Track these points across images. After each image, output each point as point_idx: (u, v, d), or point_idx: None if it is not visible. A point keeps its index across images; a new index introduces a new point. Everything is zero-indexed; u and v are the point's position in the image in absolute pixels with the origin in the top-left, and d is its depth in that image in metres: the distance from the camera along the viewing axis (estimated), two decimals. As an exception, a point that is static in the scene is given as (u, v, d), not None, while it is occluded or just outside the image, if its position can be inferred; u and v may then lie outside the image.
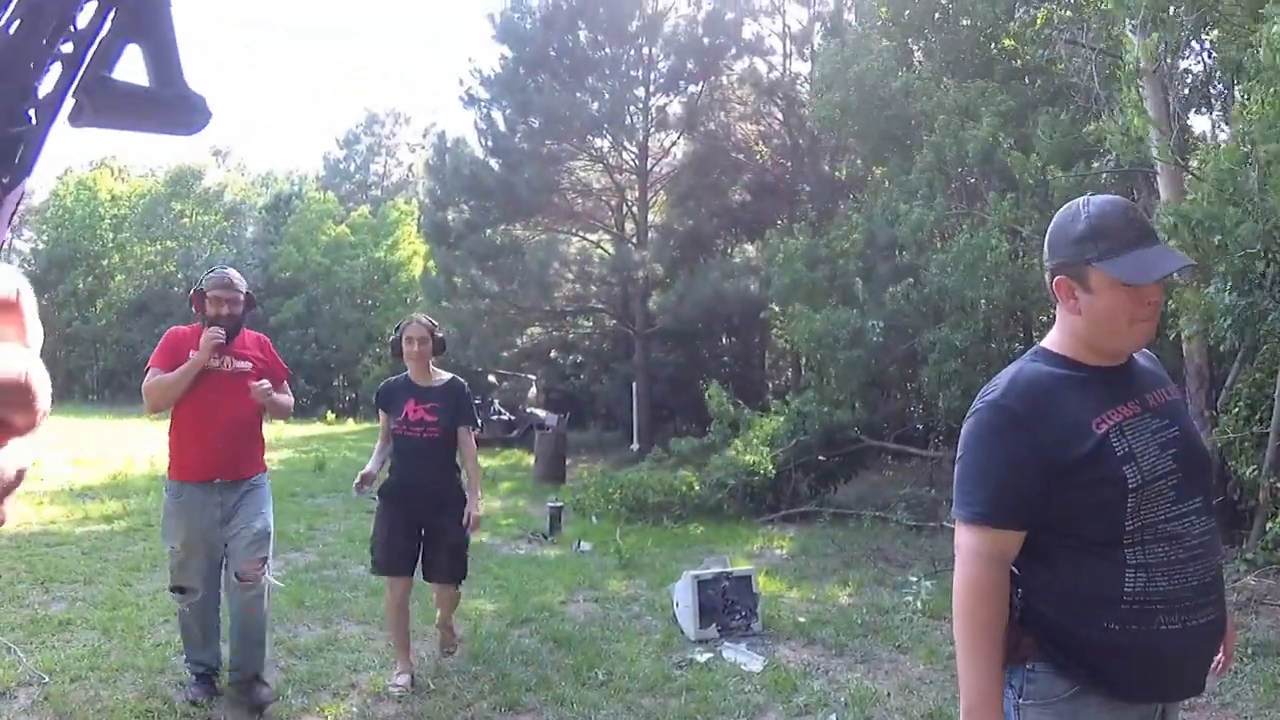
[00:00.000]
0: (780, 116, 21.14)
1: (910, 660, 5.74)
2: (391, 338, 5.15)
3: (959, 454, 1.91)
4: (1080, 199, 1.93)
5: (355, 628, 6.19)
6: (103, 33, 0.50)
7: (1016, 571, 1.87)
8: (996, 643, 1.80)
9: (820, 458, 11.96)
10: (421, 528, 5.02)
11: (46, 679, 4.88)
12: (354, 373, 31.80)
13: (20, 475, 0.45)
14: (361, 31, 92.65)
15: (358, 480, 4.82)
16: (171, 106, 0.52)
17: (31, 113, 0.48)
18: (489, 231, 20.99)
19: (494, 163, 20.70)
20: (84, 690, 4.78)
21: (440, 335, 5.15)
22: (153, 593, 6.81)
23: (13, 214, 0.49)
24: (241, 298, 4.65)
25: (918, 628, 6.41)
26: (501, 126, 21.09)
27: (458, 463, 5.12)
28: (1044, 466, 1.79)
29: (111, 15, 0.50)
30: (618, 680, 5.26)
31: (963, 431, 1.92)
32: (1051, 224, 1.94)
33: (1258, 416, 8.04)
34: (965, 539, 1.84)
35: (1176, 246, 6.84)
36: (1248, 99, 7.20)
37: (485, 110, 21.39)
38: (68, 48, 0.49)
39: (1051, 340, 1.95)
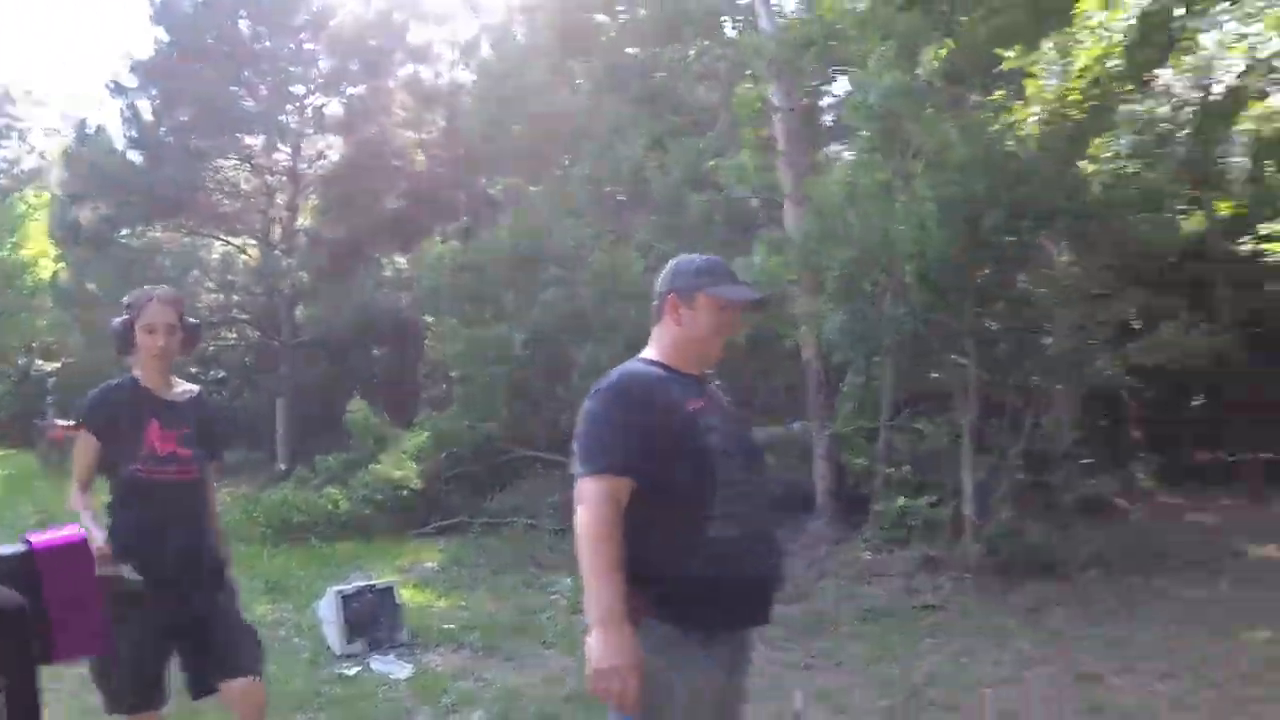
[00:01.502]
0: (442, 125, 21.04)
1: (555, 655, 5.99)
2: (116, 321, 3.48)
3: (580, 429, 2.34)
4: (694, 255, 2.61)
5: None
6: None
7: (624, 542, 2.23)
8: (620, 567, 2.18)
9: (471, 469, 12.03)
10: (180, 624, 3.21)
11: None
12: (-31, 391, 27.65)
13: None
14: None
15: (99, 560, 2.49)
16: None
17: None
18: (127, 232, 19.27)
19: (137, 156, 19.00)
20: None
21: (195, 321, 3.58)
22: None
23: None
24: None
25: (562, 625, 6.66)
26: (148, 117, 19.37)
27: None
28: (651, 432, 2.28)
29: None
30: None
31: (583, 410, 2.37)
32: (671, 264, 2.56)
33: (867, 414, 9.17)
34: (591, 488, 2.25)
35: (787, 267, 8.04)
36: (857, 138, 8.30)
37: (131, 99, 19.57)
38: None
39: (648, 352, 2.50)
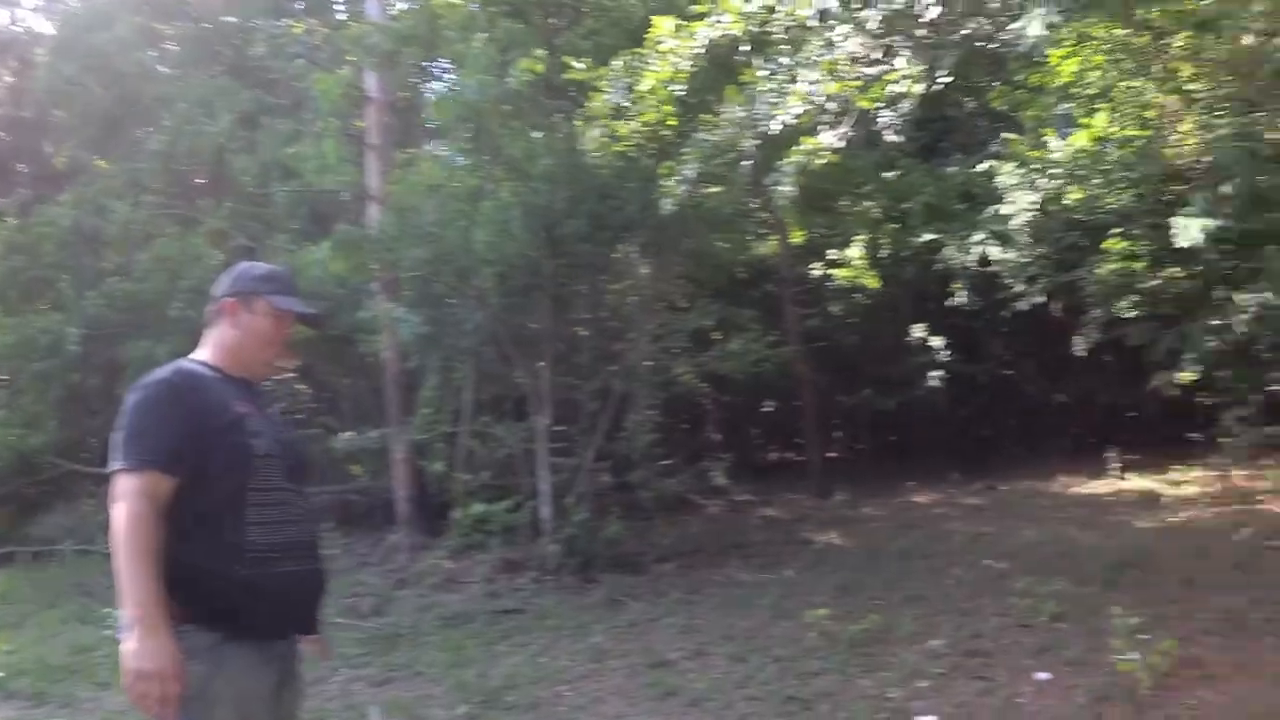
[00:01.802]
0: (11, 80, 18.24)
1: (111, 694, 5.44)
2: None
3: (122, 422, 2.28)
4: (258, 262, 2.69)
5: None
6: None
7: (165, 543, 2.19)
8: (155, 562, 2.13)
9: (17, 487, 10.81)
10: None
11: None
12: None
13: None
14: None
15: None
16: None
17: None
18: None
19: None
20: None
21: None
22: None
23: None
24: None
25: (118, 660, 6.01)
26: None
27: None
28: (197, 428, 2.27)
29: None
30: None
31: (127, 404, 2.31)
32: (235, 268, 2.60)
33: (446, 419, 9.10)
34: (129, 483, 2.18)
35: (360, 264, 8.20)
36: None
37: None
38: None
39: (200, 354, 2.49)
